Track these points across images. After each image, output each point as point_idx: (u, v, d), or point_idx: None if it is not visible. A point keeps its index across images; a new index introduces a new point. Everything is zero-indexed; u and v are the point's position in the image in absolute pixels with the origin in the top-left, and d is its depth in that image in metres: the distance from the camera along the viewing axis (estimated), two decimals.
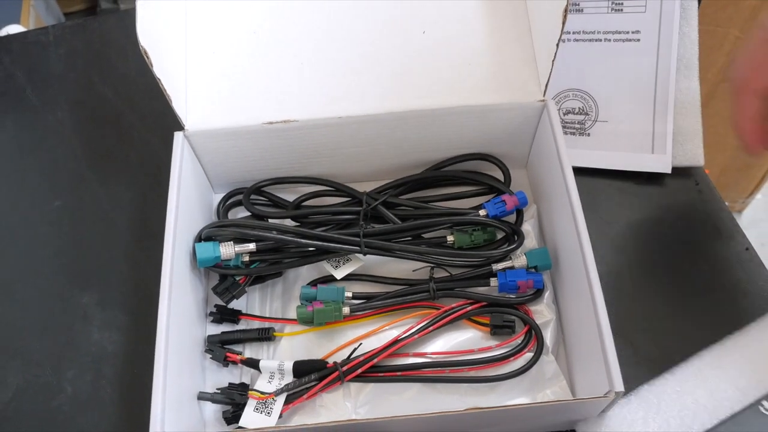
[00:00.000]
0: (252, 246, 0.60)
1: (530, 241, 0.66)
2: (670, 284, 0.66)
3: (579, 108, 0.73)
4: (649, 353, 0.62)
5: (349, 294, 0.61)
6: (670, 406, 0.57)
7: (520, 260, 0.62)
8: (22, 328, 0.66)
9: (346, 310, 0.60)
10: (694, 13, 0.72)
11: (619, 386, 0.49)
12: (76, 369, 0.64)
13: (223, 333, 0.62)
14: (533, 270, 0.62)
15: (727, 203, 0.71)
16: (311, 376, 0.58)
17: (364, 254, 0.62)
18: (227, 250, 0.59)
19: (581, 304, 0.55)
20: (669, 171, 0.71)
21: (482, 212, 0.63)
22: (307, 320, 0.60)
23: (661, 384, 0.58)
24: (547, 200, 0.65)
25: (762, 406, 0.55)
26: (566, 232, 0.58)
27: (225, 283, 0.61)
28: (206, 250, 0.59)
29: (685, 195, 0.72)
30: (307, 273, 0.64)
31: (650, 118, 0.71)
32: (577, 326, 0.58)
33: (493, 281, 0.62)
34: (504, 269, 0.62)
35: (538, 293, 0.62)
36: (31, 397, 0.63)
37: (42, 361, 0.65)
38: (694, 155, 0.72)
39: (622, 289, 0.66)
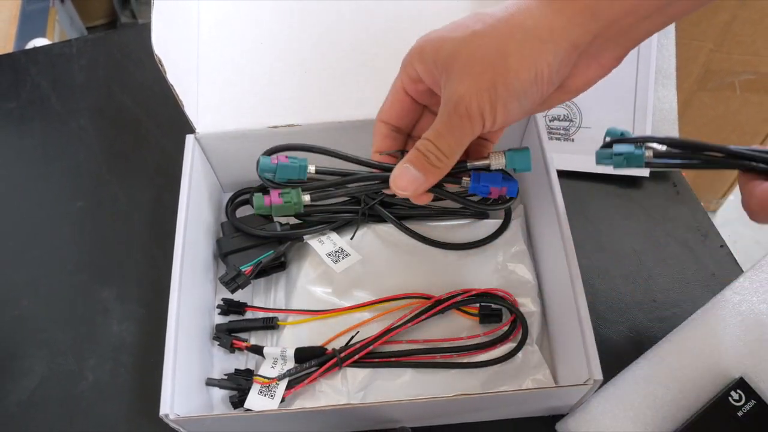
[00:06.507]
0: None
1: (518, 240, 0.65)
2: (649, 279, 0.66)
3: (564, 115, 0.73)
4: (629, 344, 0.62)
5: (312, 168, 0.51)
6: (642, 399, 0.56)
7: (498, 160, 0.50)
8: (47, 320, 0.67)
9: (306, 198, 0.51)
10: (671, 27, 0.72)
11: (598, 375, 0.49)
12: (96, 358, 0.64)
13: (230, 322, 0.63)
14: (510, 174, 0.52)
15: (702, 204, 0.71)
16: (311, 362, 0.57)
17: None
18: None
19: (564, 297, 0.55)
20: (647, 174, 0.71)
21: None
22: (264, 211, 0.51)
23: (634, 373, 0.58)
24: (534, 201, 0.65)
25: (731, 396, 0.55)
26: (551, 230, 0.58)
27: (231, 274, 0.61)
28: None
29: (663, 196, 0.72)
30: (309, 268, 0.64)
31: (630, 124, 0.71)
32: (560, 318, 0.58)
33: (466, 180, 0.51)
34: (480, 168, 0.51)
35: (510, 200, 0.53)
36: (55, 384, 0.63)
37: (65, 350, 0.65)
38: None
39: (603, 283, 0.66)
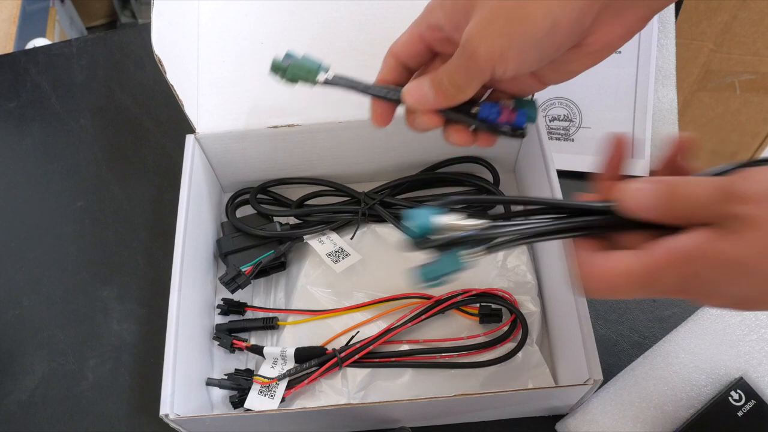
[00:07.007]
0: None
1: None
2: None
3: (564, 115, 0.73)
4: (629, 344, 0.62)
5: (330, 74, 0.52)
6: (642, 399, 0.56)
7: (507, 103, 0.50)
8: (47, 320, 0.67)
9: (321, 77, 0.51)
10: (671, 28, 0.72)
11: (598, 375, 0.49)
12: (97, 358, 0.64)
13: (230, 322, 0.63)
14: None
15: None
16: (311, 362, 0.58)
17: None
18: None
19: (564, 297, 0.55)
20: (647, 174, 0.71)
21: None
22: (278, 69, 0.51)
23: (634, 373, 0.58)
24: None
25: (731, 396, 0.55)
26: None
27: (231, 274, 0.61)
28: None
29: None
30: (309, 268, 0.64)
31: (630, 124, 0.71)
32: (560, 318, 0.58)
33: (476, 111, 0.50)
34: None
35: (519, 133, 0.51)
36: (56, 384, 0.63)
37: (66, 350, 0.65)
38: None
39: None
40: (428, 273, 0.41)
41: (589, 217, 0.42)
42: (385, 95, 0.50)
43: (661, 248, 0.37)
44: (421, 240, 0.41)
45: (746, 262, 0.35)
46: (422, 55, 0.50)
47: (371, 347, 0.58)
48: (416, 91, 0.48)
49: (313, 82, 0.51)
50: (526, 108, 0.50)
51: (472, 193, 0.67)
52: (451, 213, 0.41)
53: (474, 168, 0.68)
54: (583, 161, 0.72)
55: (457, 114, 0.49)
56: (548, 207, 0.43)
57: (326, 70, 0.51)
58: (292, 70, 0.50)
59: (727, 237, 0.36)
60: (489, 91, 0.51)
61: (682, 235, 0.37)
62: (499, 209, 0.65)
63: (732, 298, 0.37)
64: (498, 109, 0.50)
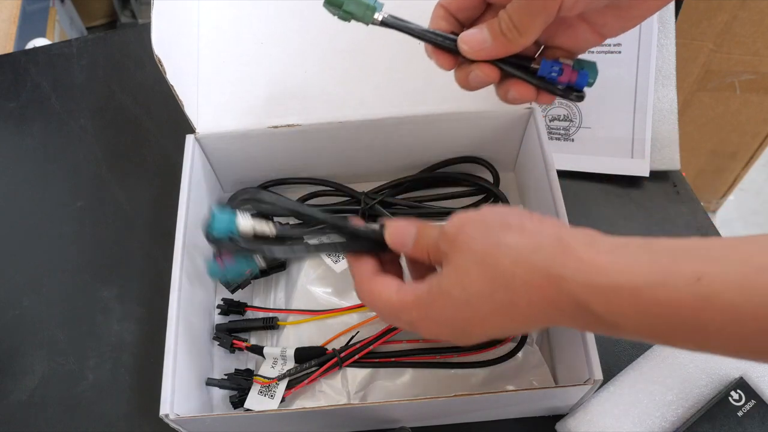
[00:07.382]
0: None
1: None
2: None
3: (564, 115, 0.72)
4: (629, 344, 0.62)
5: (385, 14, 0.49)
6: (642, 399, 0.56)
7: (566, 60, 0.49)
8: (47, 319, 0.67)
9: (377, 16, 0.49)
10: (671, 28, 0.72)
11: (598, 375, 0.49)
12: (97, 358, 0.64)
13: (230, 322, 0.63)
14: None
15: (702, 204, 0.71)
16: (311, 362, 0.58)
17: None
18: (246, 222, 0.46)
19: None
20: (647, 174, 0.71)
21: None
22: (333, 1, 0.49)
23: (634, 373, 0.58)
24: (534, 201, 0.64)
25: (731, 396, 0.55)
26: None
27: None
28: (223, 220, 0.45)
29: (663, 196, 0.71)
30: (309, 268, 0.64)
31: (630, 124, 0.71)
32: None
33: (536, 68, 0.48)
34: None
35: (575, 96, 0.49)
36: (55, 384, 0.63)
37: (66, 350, 0.65)
38: (671, 160, 0.72)
39: None
40: (224, 272, 0.50)
41: (365, 241, 0.48)
42: (441, 42, 0.48)
43: (405, 292, 0.43)
44: (221, 241, 0.45)
45: (448, 295, 0.40)
46: (474, 7, 0.48)
47: (371, 347, 0.58)
48: (473, 37, 0.46)
49: (368, 20, 0.48)
50: (586, 69, 0.48)
51: (473, 192, 0.67)
52: (246, 218, 0.46)
53: (474, 168, 0.68)
54: (584, 161, 0.72)
55: (514, 69, 0.48)
56: (329, 227, 0.49)
57: (381, 10, 0.49)
58: (349, 4, 0.48)
59: (440, 276, 0.41)
60: (541, 48, 0.49)
61: (419, 283, 0.43)
62: None
63: (450, 334, 0.42)
64: (560, 67, 0.48)
